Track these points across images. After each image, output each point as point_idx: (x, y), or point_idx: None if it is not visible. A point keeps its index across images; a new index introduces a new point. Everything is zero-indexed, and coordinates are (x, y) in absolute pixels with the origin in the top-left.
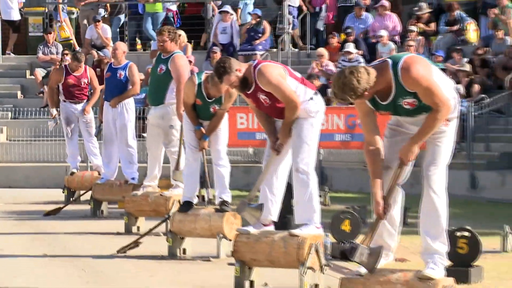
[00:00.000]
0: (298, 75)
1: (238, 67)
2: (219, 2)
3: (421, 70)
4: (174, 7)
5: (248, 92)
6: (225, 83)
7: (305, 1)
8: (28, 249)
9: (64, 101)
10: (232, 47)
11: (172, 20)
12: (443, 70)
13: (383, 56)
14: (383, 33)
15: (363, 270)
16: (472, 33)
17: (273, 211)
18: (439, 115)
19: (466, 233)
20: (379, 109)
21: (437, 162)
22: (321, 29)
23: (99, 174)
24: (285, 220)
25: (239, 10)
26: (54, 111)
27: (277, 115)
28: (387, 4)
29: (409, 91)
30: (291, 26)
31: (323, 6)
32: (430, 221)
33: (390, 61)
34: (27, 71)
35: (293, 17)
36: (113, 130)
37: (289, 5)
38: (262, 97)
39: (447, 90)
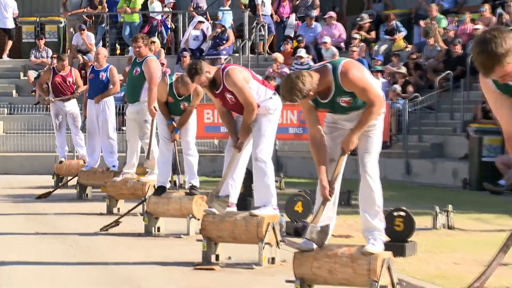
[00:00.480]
0: (259, 77)
1: (208, 69)
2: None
3: (357, 73)
4: (158, 17)
5: (217, 92)
6: (196, 83)
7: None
8: (22, 228)
9: (53, 98)
10: (199, 52)
11: (156, 28)
12: (381, 72)
13: (326, 59)
14: (327, 39)
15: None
16: (398, 43)
17: (233, 195)
18: (374, 108)
19: (402, 213)
20: (319, 107)
21: (370, 151)
22: (291, 35)
23: (84, 162)
24: (246, 202)
25: (219, 18)
26: (50, 97)
27: (242, 112)
28: (333, 15)
29: (347, 91)
30: (267, 32)
31: (292, 15)
32: (367, 202)
33: (330, 65)
34: (21, 72)
35: (268, 24)
36: (96, 124)
37: (263, 15)
38: (228, 96)
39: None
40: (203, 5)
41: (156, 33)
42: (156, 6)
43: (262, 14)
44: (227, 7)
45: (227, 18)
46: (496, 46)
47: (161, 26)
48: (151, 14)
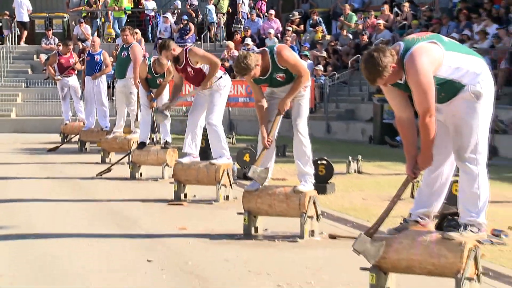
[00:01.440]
0: None
1: (174, 47)
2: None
3: (289, 53)
4: (152, 13)
5: (180, 67)
6: (163, 55)
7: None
8: (36, 173)
9: (60, 76)
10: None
11: (148, 22)
12: (307, 56)
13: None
14: (271, 31)
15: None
16: (317, 34)
17: (195, 149)
18: (302, 79)
19: (324, 162)
20: (259, 83)
21: (301, 115)
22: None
23: (84, 124)
24: (206, 154)
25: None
26: (57, 76)
27: (197, 84)
28: (273, 12)
29: (281, 68)
30: (243, 26)
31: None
32: (300, 153)
33: (267, 49)
34: (34, 55)
35: (245, 19)
36: (92, 95)
37: (241, 11)
38: (189, 70)
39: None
40: (196, 3)
41: (150, 27)
42: (149, 4)
43: (241, 11)
44: (211, 5)
45: (212, 13)
46: (376, 64)
47: (152, 21)
48: (146, 11)
